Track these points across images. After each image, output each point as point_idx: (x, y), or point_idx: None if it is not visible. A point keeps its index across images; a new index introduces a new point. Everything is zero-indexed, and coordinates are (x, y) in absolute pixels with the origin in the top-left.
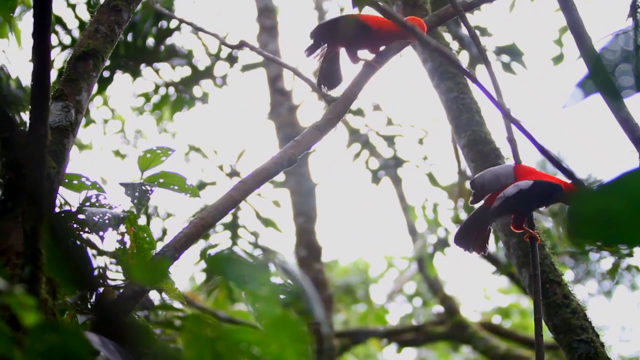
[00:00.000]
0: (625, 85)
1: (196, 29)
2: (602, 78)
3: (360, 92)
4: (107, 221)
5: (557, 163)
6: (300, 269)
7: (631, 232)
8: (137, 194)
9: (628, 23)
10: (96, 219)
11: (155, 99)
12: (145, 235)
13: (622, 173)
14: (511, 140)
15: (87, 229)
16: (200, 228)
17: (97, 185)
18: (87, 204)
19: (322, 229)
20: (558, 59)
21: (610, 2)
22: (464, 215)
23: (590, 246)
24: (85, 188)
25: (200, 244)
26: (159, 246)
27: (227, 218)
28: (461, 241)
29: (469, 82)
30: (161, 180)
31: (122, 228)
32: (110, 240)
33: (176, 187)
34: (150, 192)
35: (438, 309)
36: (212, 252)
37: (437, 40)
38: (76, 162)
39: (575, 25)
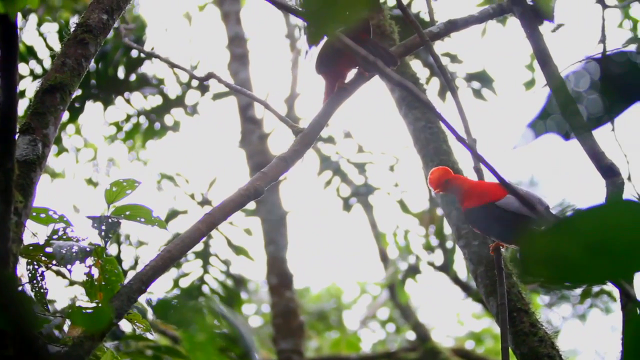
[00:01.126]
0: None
1: (164, 62)
2: (568, 108)
3: (327, 122)
4: (74, 254)
5: (519, 196)
6: (271, 297)
7: (579, 273)
8: (103, 226)
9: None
10: (63, 252)
11: (127, 127)
12: (112, 267)
13: (570, 214)
14: (478, 170)
15: (55, 262)
16: (167, 261)
17: (65, 219)
18: (55, 237)
19: (293, 256)
20: (529, 84)
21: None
22: (435, 242)
23: (541, 286)
24: (53, 221)
25: (173, 272)
26: (131, 274)
27: (199, 247)
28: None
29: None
30: (128, 213)
31: (90, 261)
32: (78, 272)
33: (142, 220)
34: (117, 225)
35: (411, 335)
36: (154, 298)
37: (404, 69)
38: (48, 191)
39: (541, 54)
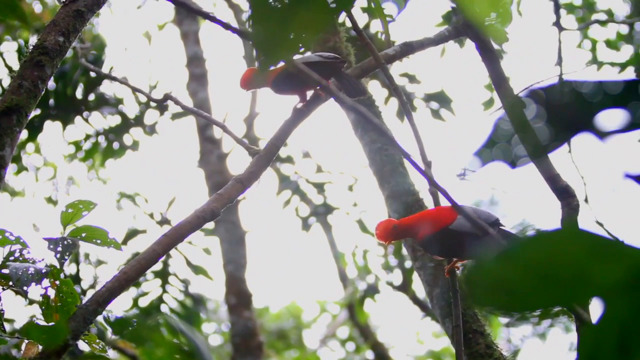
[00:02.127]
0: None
1: (120, 83)
2: (523, 130)
3: (283, 144)
4: (30, 275)
5: (471, 219)
6: (230, 316)
7: (526, 301)
8: (59, 248)
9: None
10: (19, 274)
11: (86, 146)
12: (68, 289)
13: (517, 242)
14: (433, 193)
15: (11, 283)
16: (123, 282)
17: (21, 240)
18: (11, 258)
19: (253, 275)
20: (488, 104)
21: (541, 50)
22: (393, 262)
23: (488, 312)
24: (9, 243)
25: (132, 291)
26: (91, 293)
27: (158, 266)
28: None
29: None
30: (84, 235)
31: (46, 282)
32: (35, 293)
33: (99, 241)
34: (73, 246)
35: (370, 354)
36: (112, 316)
37: None
38: (8, 210)
39: (495, 76)
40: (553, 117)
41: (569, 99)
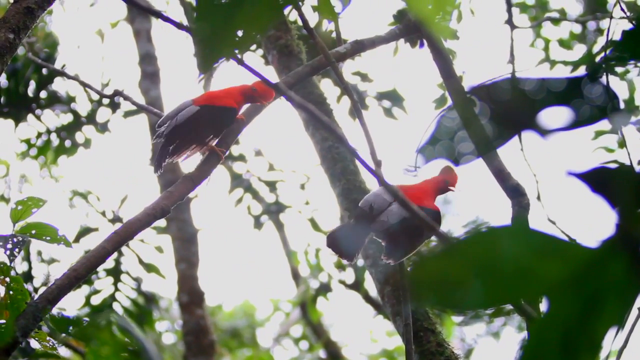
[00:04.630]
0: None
1: (71, 79)
2: (472, 125)
3: (234, 142)
4: None
5: (420, 219)
6: (182, 315)
7: (470, 298)
8: (9, 245)
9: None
10: None
11: (38, 143)
12: (18, 286)
13: (458, 239)
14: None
15: None
16: (73, 280)
17: None
18: None
19: (205, 274)
20: (440, 102)
21: (494, 48)
22: (346, 261)
23: (437, 310)
24: None
25: (85, 289)
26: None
27: (110, 264)
28: (333, 247)
29: (344, 130)
30: (33, 232)
31: None
32: None
33: (48, 238)
34: (22, 243)
35: (323, 352)
36: (62, 313)
37: (311, 89)
38: None
39: (444, 72)
40: (496, 115)
41: (513, 96)
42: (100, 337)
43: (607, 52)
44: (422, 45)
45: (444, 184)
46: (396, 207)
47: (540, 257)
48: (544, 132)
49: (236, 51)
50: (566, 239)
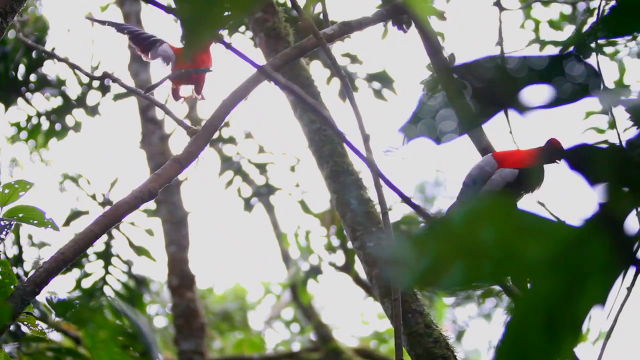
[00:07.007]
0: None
1: (60, 60)
2: (457, 101)
3: (221, 124)
4: None
5: (410, 203)
6: (172, 297)
7: (451, 277)
8: None
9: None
10: None
11: (28, 127)
12: (5, 270)
13: (442, 218)
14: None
15: None
16: (61, 263)
17: None
18: None
19: (196, 257)
20: (429, 84)
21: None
22: (336, 242)
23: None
24: None
25: (75, 273)
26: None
27: (100, 247)
28: None
29: (332, 112)
30: (21, 215)
31: None
32: None
33: (35, 222)
34: (9, 227)
35: (314, 335)
36: (54, 297)
37: (298, 71)
38: None
39: (430, 49)
40: (479, 92)
41: (495, 74)
42: (96, 320)
43: (594, 31)
44: (400, 28)
45: (549, 153)
46: (497, 175)
47: (523, 236)
48: (524, 110)
49: (221, 32)
50: (551, 217)
